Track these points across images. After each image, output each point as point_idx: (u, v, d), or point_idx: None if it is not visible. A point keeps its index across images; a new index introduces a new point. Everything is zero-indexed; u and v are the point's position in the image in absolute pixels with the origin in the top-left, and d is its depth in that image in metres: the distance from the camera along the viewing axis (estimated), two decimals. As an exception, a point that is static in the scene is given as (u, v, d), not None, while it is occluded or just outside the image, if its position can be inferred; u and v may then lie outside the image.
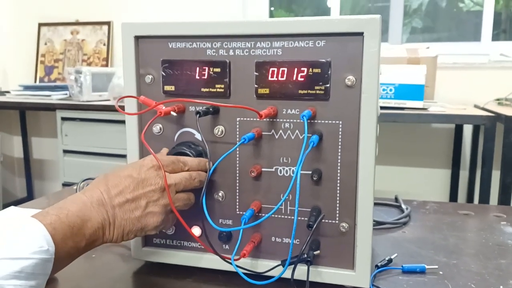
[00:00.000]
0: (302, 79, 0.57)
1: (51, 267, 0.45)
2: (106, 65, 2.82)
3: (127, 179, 0.54)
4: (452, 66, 2.30)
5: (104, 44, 2.85)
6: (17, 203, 0.91)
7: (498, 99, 2.14)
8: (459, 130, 2.29)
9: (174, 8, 2.67)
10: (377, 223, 0.83)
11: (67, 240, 0.47)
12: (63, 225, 0.47)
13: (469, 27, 2.63)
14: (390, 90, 1.80)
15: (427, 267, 0.65)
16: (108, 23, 2.84)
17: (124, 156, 2.21)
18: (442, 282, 0.62)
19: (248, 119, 0.60)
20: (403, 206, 0.93)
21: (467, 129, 2.31)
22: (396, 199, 0.98)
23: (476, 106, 2.15)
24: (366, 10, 2.75)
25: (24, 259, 0.42)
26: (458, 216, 0.90)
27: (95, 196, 0.52)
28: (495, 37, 2.44)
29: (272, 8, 2.83)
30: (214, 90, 0.60)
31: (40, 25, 2.98)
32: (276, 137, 0.59)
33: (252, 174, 0.59)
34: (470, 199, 2.26)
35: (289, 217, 0.60)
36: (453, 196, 2.32)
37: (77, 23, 2.92)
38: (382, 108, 1.71)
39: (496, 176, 1.75)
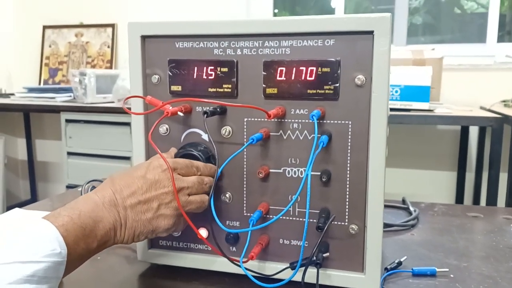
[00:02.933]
0: (311, 78, 0.56)
1: (63, 270, 0.44)
2: (110, 67, 2.82)
3: (140, 180, 0.53)
4: (458, 67, 2.29)
5: (108, 47, 2.85)
6: (21, 205, 0.90)
7: (504, 101, 2.13)
8: (465, 132, 2.28)
9: (179, 11, 2.67)
10: (385, 225, 0.82)
11: (79, 241, 0.46)
12: (75, 226, 0.47)
13: (473, 29, 2.62)
14: (396, 91, 1.79)
15: (437, 270, 0.64)
16: (112, 25, 2.84)
17: (128, 158, 2.21)
18: (453, 285, 0.60)
19: (256, 119, 0.59)
20: (411, 208, 0.91)
21: (473, 131, 2.30)
22: (404, 201, 0.97)
23: (482, 108, 2.13)
24: (369, 12, 2.75)
25: (36, 262, 0.41)
26: (467, 218, 0.88)
27: (107, 196, 0.52)
28: (500, 39, 2.43)
29: (276, 11, 2.82)
30: (222, 90, 0.59)
31: (44, 27, 2.98)
32: (284, 137, 0.58)
33: (260, 175, 0.58)
34: (476, 201, 2.25)
35: (297, 219, 0.59)
36: (459, 199, 2.30)
37: (81, 26, 2.92)
38: (387, 109, 1.70)
39: (502, 178, 1.73)
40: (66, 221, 0.46)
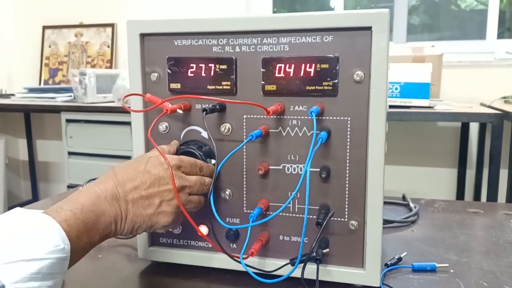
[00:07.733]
0: (310, 75, 0.56)
1: (67, 265, 0.44)
2: (110, 67, 2.82)
3: (144, 175, 0.53)
4: (458, 64, 2.29)
5: (108, 46, 2.85)
6: (22, 205, 0.90)
7: (504, 97, 2.13)
8: (465, 129, 2.27)
9: (178, 11, 2.67)
10: (385, 221, 0.82)
11: (81, 236, 0.47)
12: (78, 221, 0.47)
13: (472, 26, 2.61)
14: (396, 88, 1.79)
15: (437, 265, 0.64)
16: (112, 25, 2.84)
17: (128, 157, 2.21)
18: (453, 280, 0.61)
19: (255, 116, 0.59)
20: (411, 205, 0.92)
21: (473, 128, 2.29)
22: (404, 198, 0.97)
23: (482, 104, 2.13)
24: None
25: (40, 259, 0.41)
26: (467, 214, 0.89)
27: (109, 189, 0.52)
28: (500, 35, 2.43)
29: (275, 10, 2.82)
30: (221, 87, 0.60)
31: (44, 27, 2.98)
32: (284, 134, 0.58)
33: (260, 172, 0.58)
34: (477, 198, 2.25)
35: (297, 215, 0.59)
36: (460, 195, 2.30)
37: (81, 26, 2.92)
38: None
39: (502, 174, 1.73)
40: (68, 215, 0.46)
